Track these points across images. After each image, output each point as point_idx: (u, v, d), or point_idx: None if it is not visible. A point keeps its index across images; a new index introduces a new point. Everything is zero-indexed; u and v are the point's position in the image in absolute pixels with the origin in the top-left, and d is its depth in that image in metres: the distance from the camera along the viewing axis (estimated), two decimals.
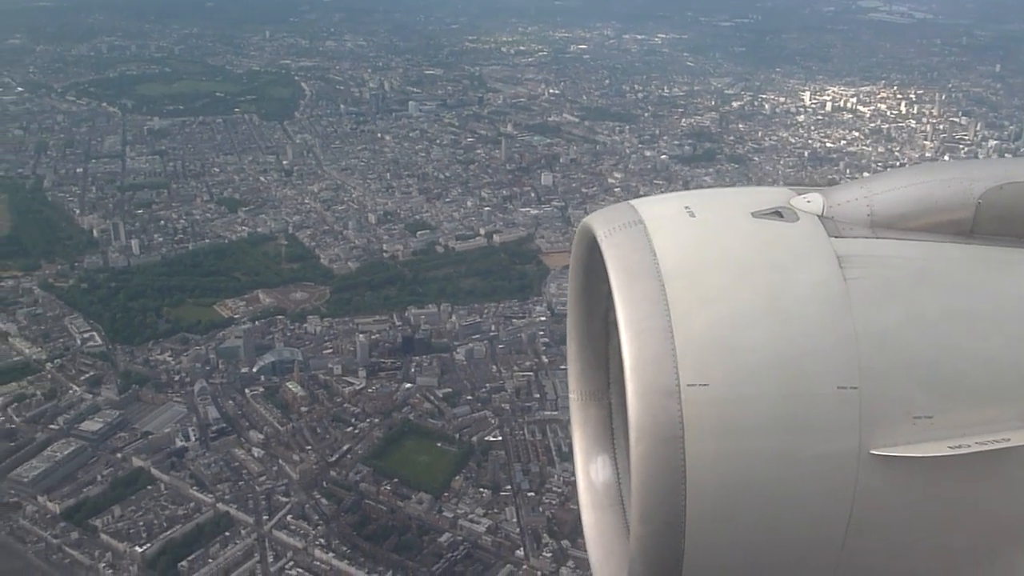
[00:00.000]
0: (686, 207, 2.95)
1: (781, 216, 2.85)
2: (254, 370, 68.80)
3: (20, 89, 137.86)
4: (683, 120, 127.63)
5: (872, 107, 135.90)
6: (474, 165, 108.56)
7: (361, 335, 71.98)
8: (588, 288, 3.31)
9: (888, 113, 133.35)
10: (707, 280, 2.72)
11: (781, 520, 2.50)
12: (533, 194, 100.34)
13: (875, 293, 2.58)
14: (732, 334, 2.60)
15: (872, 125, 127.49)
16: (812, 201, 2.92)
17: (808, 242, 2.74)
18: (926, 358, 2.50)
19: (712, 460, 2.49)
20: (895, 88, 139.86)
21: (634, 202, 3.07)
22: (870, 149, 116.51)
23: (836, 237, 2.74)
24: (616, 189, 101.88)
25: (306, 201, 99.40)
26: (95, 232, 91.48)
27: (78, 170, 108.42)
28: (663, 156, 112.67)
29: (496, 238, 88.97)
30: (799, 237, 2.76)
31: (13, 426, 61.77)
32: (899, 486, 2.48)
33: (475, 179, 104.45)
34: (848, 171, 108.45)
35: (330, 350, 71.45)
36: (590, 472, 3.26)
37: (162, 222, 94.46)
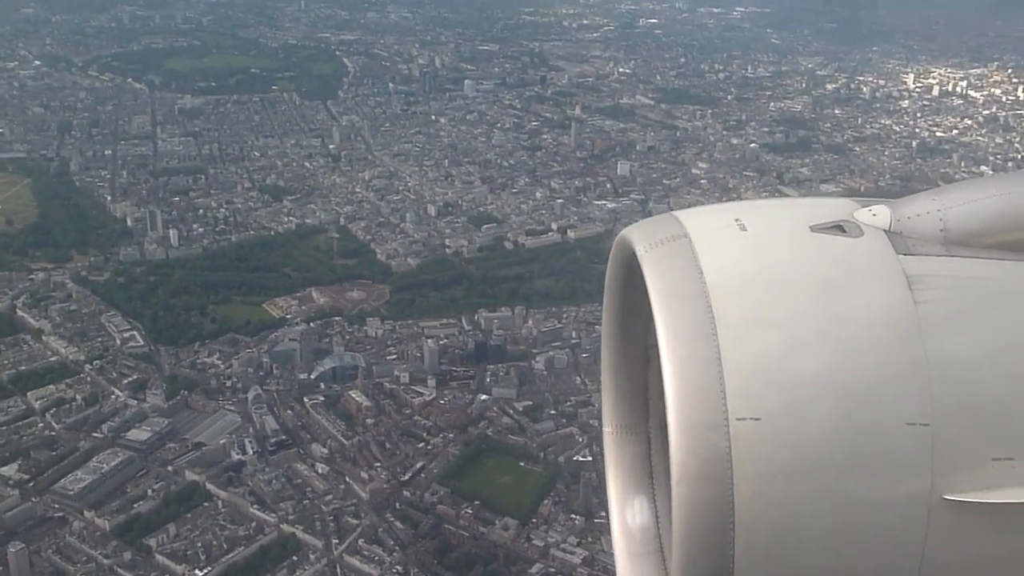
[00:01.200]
0: (736, 219, 2.92)
1: (843, 231, 2.80)
2: (312, 377, 68.97)
3: (38, 63, 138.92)
4: (772, 104, 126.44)
5: (985, 92, 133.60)
6: (541, 152, 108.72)
7: (428, 340, 71.73)
8: (626, 309, 3.35)
9: (1004, 99, 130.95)
10: (759, 301, 2.69)
11: (841, 571, 2.46)
12: (609, 185, 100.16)
13: (948, 317, 2.54)
14: (787, 362, 2.58)
15: (986, 112, 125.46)
16: (878, 214, 2.85)
17: (873, 259, 2.71)
18: (1007, 392, 2.46)
19: (764, 503, 2.47)
20: (1010, 71, 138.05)
21: (678, 213, 3.06)
22: (985, 139, 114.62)
23: (905, 255, 2.71)
24: (702, 181, 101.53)
25: (357, 190, 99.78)
26: (129, 221, 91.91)
27: (106, 152, 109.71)
28: (752, 144, 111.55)
29: (571, 234, 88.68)
30: (863, 254, 2.73)
31: (53, 433, 62.24)
32: (976, 535, 2.44)
33: (543, 167, 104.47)
34: (962, 164, 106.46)
35: (394, 356, 71.39)
36: (626, 515, 3.25)
37: (201, 211, 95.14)
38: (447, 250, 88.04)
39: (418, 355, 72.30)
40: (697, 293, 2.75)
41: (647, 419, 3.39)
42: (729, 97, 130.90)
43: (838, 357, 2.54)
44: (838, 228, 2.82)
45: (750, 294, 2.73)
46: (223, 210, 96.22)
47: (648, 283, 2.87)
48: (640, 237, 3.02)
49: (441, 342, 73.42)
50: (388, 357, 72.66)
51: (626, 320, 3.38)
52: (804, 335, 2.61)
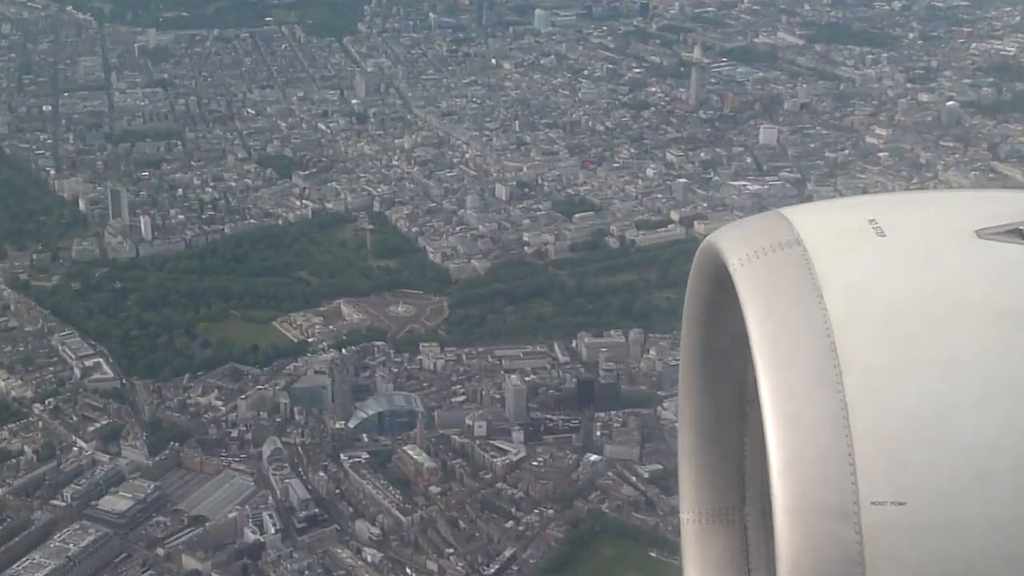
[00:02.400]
0: (871, 220, 2.98)
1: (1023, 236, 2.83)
2: (351, 425, 69.10)
3: None
4: (973, 45, 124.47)
5: None
6: (649, 111, 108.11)
7: (511, 376, 71.31)
8: (713, 345, 3.47)
9: None
10: (904, 338, 2.73)
11: None
12: (749, 158, 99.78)
13: None
14: (945, 424, 2.61)
15: None
16: None
17: None
18: None
19: None
20: None
21: (788, 211, 3.17)
22: None
23: None
24: (881, 154, 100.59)
25: (395, 163, 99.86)
26: (82, 204, 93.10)
27: (44, 108, 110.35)
28: (949, 102, 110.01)
29: (698, 226, 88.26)
30: None
31: None
32: None
33: (653, 133, 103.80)
34: None
35: (463, 397, 71.16)
36: None
37: (180, 191, 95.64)
38: (526, 248, 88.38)
39: (497, 396, 72.22)
40: (815, 326, 2.77)
41: (742, 502, 3.47)
42: (911, 35, 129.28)
43: (1017, 417, 2.55)
44: (1017, 233, 2.80)
45: (890, 327, 2.73)
46: (210, 190, 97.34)
47: (745, 310, 2.91)
48: (734, 245, 3.10)
49: (528, 378, 73.21)
50: (454, 399, 72.64)
51: (714, 361, 3.49)
52: (967, 386, 2.61)
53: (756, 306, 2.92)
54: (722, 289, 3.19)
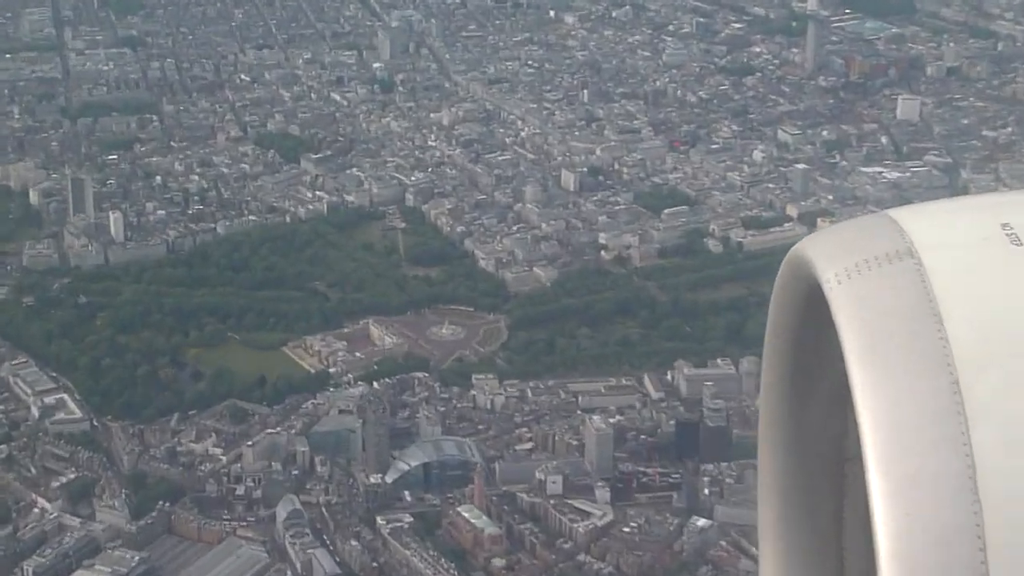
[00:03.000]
0: (1004, 225, 3.06)
1: None
2: (388, 479, 68.78)
3: None
4: None
5: None
6: (754, 78, 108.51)
7: (592, 417, 70.48)
8: (803, 383, 3.68)
9: None
10: None
11: None
12: (884, 138, 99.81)
13: None
14: None
15: None
16: None
17: None
18: None
19: None
20: None
21: (896, 213, 3.28)
22: None
23: None
24: None
25: (431, 143, 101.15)
26: (33, 197, 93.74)
27: None
28: None
29: (822, 225, 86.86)
30: None
31: None
32: None
33: (760, 106, 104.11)
34: None
35: (530, 443, 70.44)
36: None
37: (158, 178, 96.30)
38: (603, 253, 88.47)
39: (574, 443, 71.65)
40: (933, 363, 2.82)
41: None
42: None
43: None
44: None
45: None
46: (196, 178, 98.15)
47: (844, 341, 3.00)
48: (830, 256, 3.25)
49: (613, 420, 72.62)
50: (519, 446, 72.08)
51: (803, 406, 3.68)
52: None
53: (858, 336, 2.96)
54: (814, 313, 3.31)
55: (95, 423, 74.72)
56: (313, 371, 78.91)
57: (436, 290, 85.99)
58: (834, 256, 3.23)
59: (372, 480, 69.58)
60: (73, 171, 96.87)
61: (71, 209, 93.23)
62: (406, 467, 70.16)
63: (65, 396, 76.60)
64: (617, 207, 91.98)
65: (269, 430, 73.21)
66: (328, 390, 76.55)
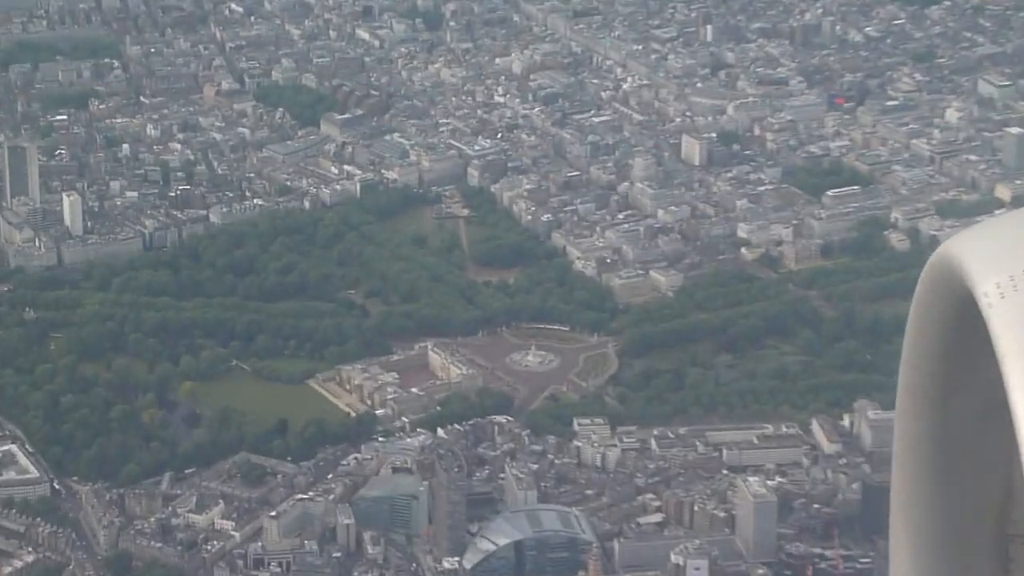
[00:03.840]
0: None
1: None
2: (467, 564, 69.86)
3: None
4: None
5: None
6: (941, 7, 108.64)
7: (748, 481, 70.33)
8: (954, 420, 4.13)
9: None
10: None
11: None
12: None
13: None
14: None
15: None
16: None
17: None
18: None
19: None
20: None
21: None
22: None
23: None
24: None
25: (498, 97, 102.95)
26: None
27: None
28: None
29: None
30: None
31: None
32: None
33: (950, 47, 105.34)
34: None
35: (658, 515, 70.56)
36: None
37: (124, 147, 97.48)
38: (744, 251, 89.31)
39: (720, 514, 71.50)
40: None
41: None
42: None
43: None
44: None
45: None
46: (178, 146, 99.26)
47: (1006, 371, 3.30)
48: (987, 260, 3.50)
49: (772, 482, 72.42)
50: (644, 519, 71.84)
51: (953, 450, 4.06)
52: None
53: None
54: (966, 331, 3.56)
55: (56, 485, 75.10)
56: (353, 413, 79.31)
57: (516, 302, 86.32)
58: (994, 261, 3.44)
59: (446, 566, 69.24)
60: (7, 137, 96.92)
61: (7, 190, 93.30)
62: (491, 547, 70.44)
63: (13, 448, 76.44)
64: (761, 187, 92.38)
65: (299, 495, 73.34)
66: (376, 440, 77.06)
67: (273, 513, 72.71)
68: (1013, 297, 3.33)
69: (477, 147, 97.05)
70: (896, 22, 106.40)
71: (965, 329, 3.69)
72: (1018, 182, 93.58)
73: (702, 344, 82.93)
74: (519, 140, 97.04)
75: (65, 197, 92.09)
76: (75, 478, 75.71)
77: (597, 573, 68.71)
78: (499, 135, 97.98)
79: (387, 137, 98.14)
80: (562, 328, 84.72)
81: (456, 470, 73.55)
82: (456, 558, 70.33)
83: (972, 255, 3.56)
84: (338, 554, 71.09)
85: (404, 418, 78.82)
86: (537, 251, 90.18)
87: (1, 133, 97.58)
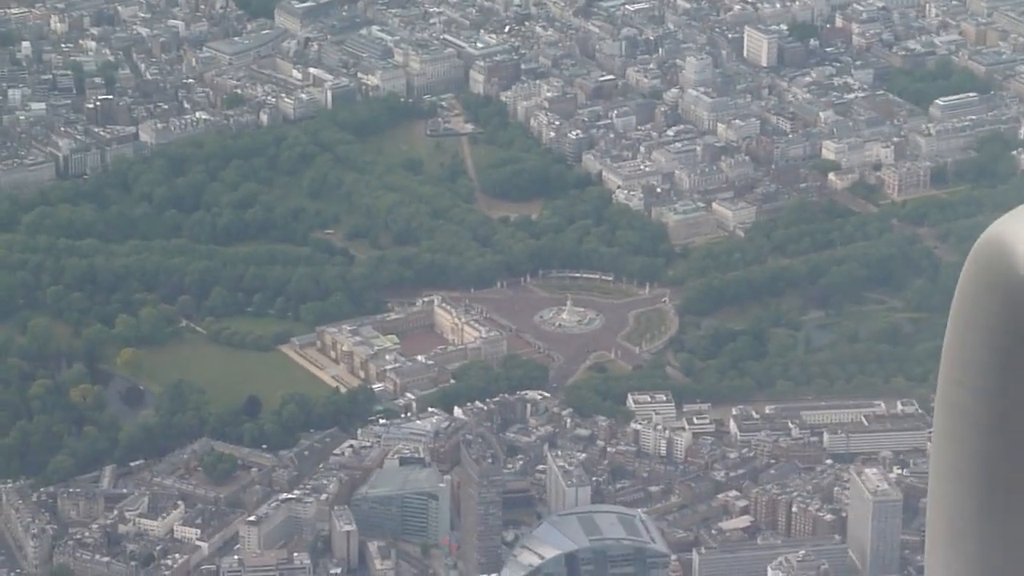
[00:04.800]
0: None
1: None
2: None
3: None
4: None
5: None
6: None
7: (864, 473, 69.41)
8: (1006, 432, 4.42)
9: None
10: None
11: None
12: None
13: None
14: None
15: None
16: None
17: None
18: None
19: None
20: None
21: None
22: None
23: None
24: None
25: None
26: None
27: None
28: None
29: None
30: None
31: None
32: None
33: None
34: None
35: (746, 518, 70.22)
36: None
37: (24, 45, 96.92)
38: (833, 177, 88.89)
39: (826, 516, 71.99)
40: None
41: None
42: None
43: None
44: None
45: None
46: (93, 44, 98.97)
47: None
48: None
49: (892, 474, 72.39)
50: (728, 523, 71.98)
51: (1010, 461, 4.40)
52: None
53: None
54: (1022, 331, 3.66)
55: None
56: (343, 388, 79.38)
57: (543, 244, 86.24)
58: None
59: None
60: None
61: None
62: (535, 560, 70.55)
63: None
64: (849, 95, 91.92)
65: (282, 495, 73.27)
66: (376, 423, 77.15)
67: (252, 518, 72.84)
68: None
69: (480, 44, 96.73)
70: None
71: (1020, 332, 3.74)
72: None
73: (785, 298, 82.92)
74: (533, 35, 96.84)
75: None
76: None
77: None
78: (507, 28, 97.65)
79: (363, 31, 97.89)
80: (604, 277, 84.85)
81: (490, 461, 73.52)
82: (490, 574, 69.97)
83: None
84: (337, 570, 71.23)
85: (409, 394, 79.05)
86: (565, 178, 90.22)
87: None
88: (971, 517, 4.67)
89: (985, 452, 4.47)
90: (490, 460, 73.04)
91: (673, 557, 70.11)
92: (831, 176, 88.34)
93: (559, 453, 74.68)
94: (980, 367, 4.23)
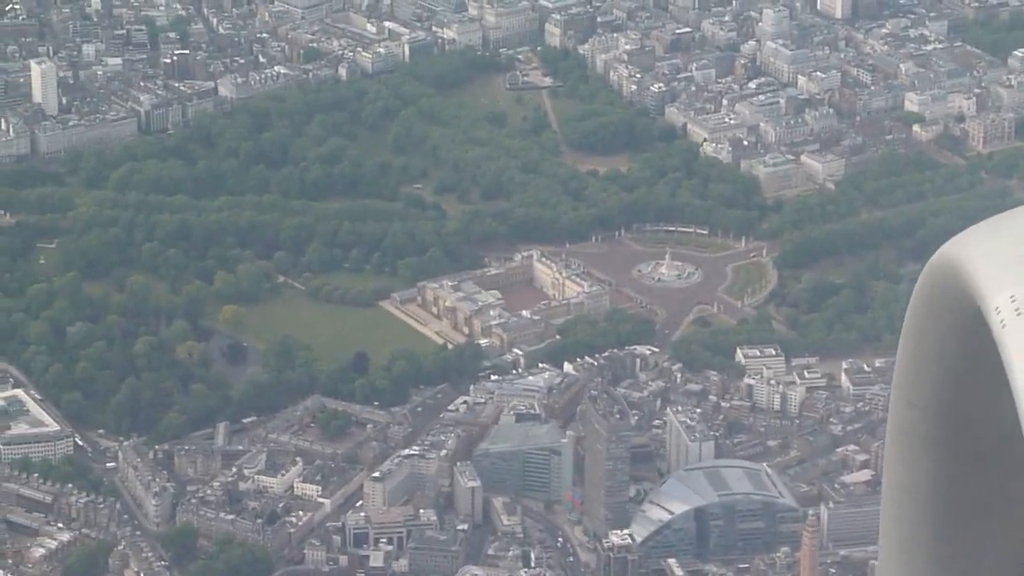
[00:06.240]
0: None
1: None
2: (636, 535, 70.18)
3: None
4: None
5: None
6: None
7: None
8: (956, 452, 4.55)
9: None
10: None
11: None
12: None
13: None
14: None
15: None
16: None
17: None
18: None
19: None
20: None
21: None
22: None
23: None
24: None
25: None
26: None
27: None
28: None
29: None
30: None
31: None
32: None
33: None
34: None
35: (867, 472, 69.43)
36: None
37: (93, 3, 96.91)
38: (916, 128, 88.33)
39: None
40: None
41: None
42: None
43: None
44: None
45: None
46: (165, 7, 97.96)
47: (1021, 405, 3.66)
48: (999, 270, 3.90)
49: None
50: (851, 477, 71.72)
51: (960, 480, 4.60)
52: None
53: None
54: (972, 356, 3.77)
55: (79, 441, 74.62)
56: (449, 344, 78.95)
57: (636, 198, 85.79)
58: (1008, 268, 3.52)
59: (614, 540, 68.98)
60: None
61: None
62: (664, 515, 70.38)
63: (19, 393, 75.94)
64: (927, 47, 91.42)
65: (404, 451, 72.98)
66: (488, 377, 76.90)
67: (376, 474, 72.52)
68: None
69: None
70: None
71: (971, 354, 3.71)
72: None
73: (882, 250, 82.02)
74: None
75: (34, 65, 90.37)
76: (101, 431, 75.59)
77: (812, 549, 67.92)
78: None
79: None
80: (699, 231, 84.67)
81: (617, 416, 73.27)
82: (623, 531, 70.12)
83: (981, 260, 3.67)
84: (463, 526, 70.99)
85: (516, 350, 78.62)
86: (650, 131, 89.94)
87: None
88: (923, 537, 4.65)
89: (937, 472, 4.42)
90: (618, 416, 72.61)
91: (807, 511, 69.19)
92: (915, 128, 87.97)
93: (679, 408, 74.00)
94: (931, 388, 4.18)
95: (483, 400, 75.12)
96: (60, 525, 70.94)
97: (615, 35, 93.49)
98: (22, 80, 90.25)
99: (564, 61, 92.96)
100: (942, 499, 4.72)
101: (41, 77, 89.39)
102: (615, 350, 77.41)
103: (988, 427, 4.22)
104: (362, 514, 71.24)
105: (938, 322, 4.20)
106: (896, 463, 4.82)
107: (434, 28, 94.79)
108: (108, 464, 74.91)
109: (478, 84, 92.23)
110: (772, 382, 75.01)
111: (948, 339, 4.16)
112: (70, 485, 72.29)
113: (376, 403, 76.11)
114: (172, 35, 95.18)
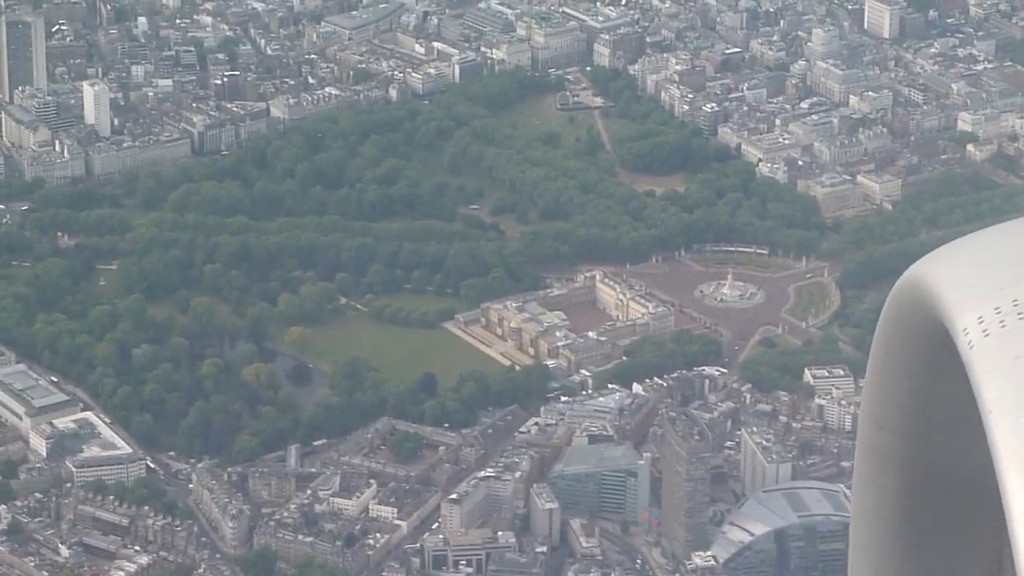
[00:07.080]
0: None
1: None
2: (719, 557, 70.32)
3: None
4: None
5: None
6: None
7: None
8: (924, 472, 4.60)
9: None
10: None
11: None
12: None
13: None
14: None
15: None
16: None
17: None
18: None
19: None
20: None
21: None
22: None
23: None
24: None
25: None
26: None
27: None
28: None
29: None
30: None
31: None
32: None
33: None
34: None
35: None
36: None
37: (139, 20, 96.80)
38: (971, 148, 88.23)
39: None
40: None
41: None
42: None
43: None
44: None
45: None
46: (208, 19, 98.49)
47: (990, 428, 3.64)
48: (967, 291, 4.06)
49: None
50: None
51: (927, 500, 4.64)
52: None
53: (1016, 425, 3.36)
54: (940, 377, 3.84)
55: (151, 464, 74.54)
56: (517, 366, 78.87)
57: (695, 218, 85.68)
58: (976, 289, 3.60)
59: (697, 562, 69.05)
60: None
61: (5, 77, 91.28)
62: (744, 537, 70.35)
63: (89, 416, 75.68)
64: (977, 67, 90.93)
65: (480, 473, 72.91)
66: (558, 399, 76.71)
67: (453, 496, 72.39)
68: (1000, 335, 3.35)
69: (601, 17, 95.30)
70: None
71: (939, 374, 3.76)
72: None
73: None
74: (653, 8, 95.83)
75: (86, 87, 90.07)
76: (171, 453, 75.61)
77: None
78: (624, 2, 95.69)
79: (481, 5, 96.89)
80: (759, 251, 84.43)
81: (697, 438, 73.15)
82: (705, 552, 70.22)
83: (948, 281, 3.77)
84: (542, 548, 70.75)
85: (584, 371, 78.33)
86: (705, 151, 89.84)
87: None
88: (892, 558, 4.65)
89: (906, 493, 4.42)
90: (697, 437, 72.46)
91: None
92: (969, 147, 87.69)
93: (754, 430, 73.89)
94: (900, 409, 4.19)
95: (554, 421, 75.02)
96: (137, 548, 70.89)
97: (665, 55, 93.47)
98: (73, 102, 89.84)
99: (614, 81, 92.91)
100: (911, 520, 4.75)
101: (94, 98, 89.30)
102: (683, 371, 77.27)
103: (956, 448, 4.22)
104: (440, 536, 71.07)
105: (906, 343, 4.23)
106: (865, 485, 4.87)
107: (483, 48, 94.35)
108: (189, 485, 74.34)
109: (529, 104, 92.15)
110: (843, 402, 74.65)
111: (916, 360, 4.19)
112: (146, 508, 72.15)
113: (446, 425, 76.02)
114: (221, 56, 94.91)
